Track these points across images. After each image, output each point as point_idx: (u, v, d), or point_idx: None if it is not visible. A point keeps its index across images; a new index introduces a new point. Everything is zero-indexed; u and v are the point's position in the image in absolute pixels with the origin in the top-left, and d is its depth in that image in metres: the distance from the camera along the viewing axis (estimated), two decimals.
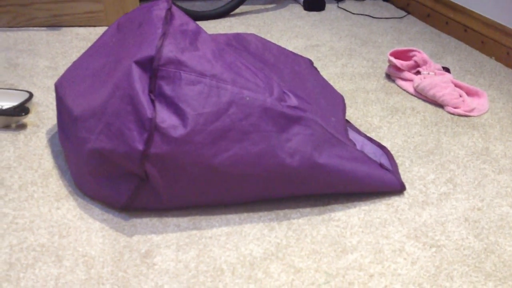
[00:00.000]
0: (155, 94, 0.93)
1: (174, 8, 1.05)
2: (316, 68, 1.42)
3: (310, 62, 1.43)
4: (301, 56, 1.41)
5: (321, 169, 0.98)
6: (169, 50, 0.94)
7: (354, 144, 1.13)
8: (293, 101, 1.01)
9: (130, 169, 0.93)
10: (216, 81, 0.95)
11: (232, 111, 0.94)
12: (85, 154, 0.97)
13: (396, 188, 1.07)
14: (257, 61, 1.22)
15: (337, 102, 1.30)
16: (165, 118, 0.91)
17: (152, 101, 0.92)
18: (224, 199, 0.99)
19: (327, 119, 1.13)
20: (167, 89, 0.93)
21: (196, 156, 0.92)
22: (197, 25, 1.05)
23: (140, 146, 0.90)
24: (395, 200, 1.06)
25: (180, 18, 1.03)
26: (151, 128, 0.90)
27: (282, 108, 0.98)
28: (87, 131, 0.96)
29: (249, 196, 1.00)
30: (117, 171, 0.95)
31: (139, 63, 0.94)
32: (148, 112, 0.90)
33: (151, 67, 0.93)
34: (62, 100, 1.07)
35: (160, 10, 1.02)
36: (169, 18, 1.01)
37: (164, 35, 0.96)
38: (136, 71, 0.93)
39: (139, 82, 0.92)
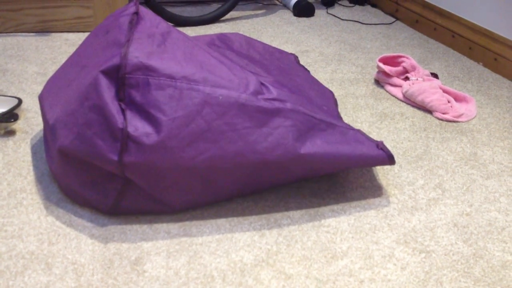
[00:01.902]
0: (126, 102, 0.92)
1: (143, 11, 1.03)
2: (302, 65, 1.41)
3: (296, 58, 1.42)
4: (285, 53, 1.40)
5: (304, 159, 0.98)
6: (134, 56, 0.93)
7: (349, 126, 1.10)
8: (272, 92, 0.99)
9: (112, 171, 0.93)
10: (187, 83, 0.93)
11: (206, 112, 0.93)
12: (66, 161, 0.97)
13: (385, 161, 1.04)
14: (242, 58, 1.22)
15: (328, 96, 1.29)
16: (138, 126, 0.90)
17: (123, 110, 0.91)
18: (211, 197, 0.99)
19: (318, 107, 1.11)
20: (137, 96, 0.92)
21: (174, 160, 0.92)
22: (168, 25, 1.04)
23: (114, 157, 0.90)
24: (384, 206, 1.06)
25: (150, 20, 1.01)
26: (123, 138, 0.89)
27: (259, 102, 0.96)
28: (62, 140, 0.95)
29: (236, 191, 1.00)
30: (100, 173, 0.95)
31: (105, 73, 0.92)
32: (119, 122, 0.90)
33: (118, 76, 0.92)
34: (43, 112, 1.07)
35: (126, 16, 1.01)
36: (134, 22, 0.99)
37: (128, 41, 0.95)
38: (103, 81, 0.92)
39: (107, 91, 0.91)
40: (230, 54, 1.21)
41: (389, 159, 1.04)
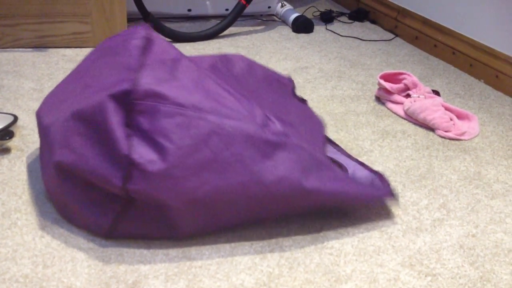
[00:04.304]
0: (133, 128, 0.89)
1: (154, 35, 1.01)
2: (297, 96, 1.38)
3: (293, 89, 1.39)
4: (284, 81, 1.37)
5: (309, 193, 0.96)
6: (146, 83, 0.91)
7: (343, 169, 1.11)
8: (277, 126, 0.98)
9: (113, 191, 0.90)
10: (196, 112, 0.92)
11: (213, 142, 0.91)
12: (63, 178, 0.94)
13: (387, 196, 1.06)
14: (239, 85, 1.20)
15: (318, 130, 1.27)
16: (143, 153, 0.88)
17: (128, 136, 0.89)
18: (214, 227, 0.97)
19: (310, 146, 1.11)
20: (145, 123, 0.89)
21: (178, 190, 0.89)
22: (178, 51, 1.02)
23: (118, 182, 0.88)
24: (388, 227, 1.04)
25: (160, 45, 1.00)
26: (127, 165, 0.87)
27: (266, 134, 0.95)
28: (62, 159, 0.93)
29: (235, 222, 0.98)
30: (100, 193, 0.92)
31: (113, 97, 0.90)
32: (124, 148, 0.87)
33: (127, 101, 0.90)
34: (40, 127, 1.04)
35: (138, 40, 0.99)
36: (147, 47, 0.97)
37: (140, 67, 0.93)
38: (110, 105, 0.89)
39: (114, 116, 0.89)
40: (230, 80, 1.19)
41: (391, 195, 1.06)
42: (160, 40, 1.02)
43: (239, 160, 0.92)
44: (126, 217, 0.92)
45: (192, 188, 0.90)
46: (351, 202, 1.02)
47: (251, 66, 1.29)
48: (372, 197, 1.05)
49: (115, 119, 0.89)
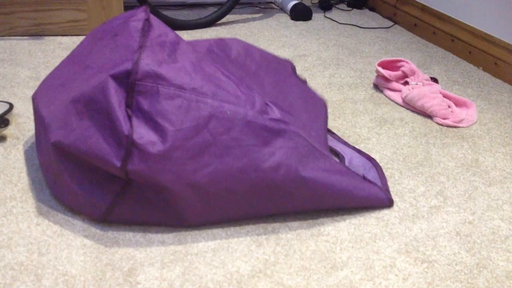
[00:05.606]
0: (133, 109, 0.89)
1: (152, 18, 1.01)
2: (297, 76, 1.37)
3: (293, 69, 1.38)
4: (283, 62, 1.36)
5: (306, 183, 0.96)
6: (146, 64, 0.91)
7: (340, 158, 1.11)
8: (275, 113, 0.98)
9: (113, 173, 0.90)
10: (196, 95, 0.92)
11: (213, 125, 0.91)
12: (62, 159, 0.94)
13: (384, 203, 1.05)
14: (237, 69, 1.19)
15: (319, 110, 1.26)
16: (143, 134, 0.88)
17: (129, 117, 0.89)
18: (212, 216, 0.96)
19: (308, 133, 1.10)
20: (145, 104, 0.89)
21: (177, 172, 0.89)
22: (177, 35, 1.02)
23: (117, 163, 0.87)
24: (385, 214, 1.03)
25: (158, 28, 1.00)
26: (128, 145, 0.87)
27: (264, 121, 0.95)
28: (60, 138, 0.92)
29: (234, 213, 0.97)
30: (99, 173, 0.92)
31: (115, 77, 0.90)
32: (125, 129, 0.87)
33: (128, 82, 0.90)
34: (36, 110, 1.04)
35: (137, 22, 0.99)
36: (146, 29, 0.97)
37: (141, 48, 0.93)
38: (112, 85, 0.90)
39: (115, 96, 0.89)
40: (228, 64, 1.18)
41: (388, 202, 1.06)
42: (159, 23, 1.02)
43: (238, 145, 0.92)
44: (124, 199, 0.92)
45: (191, 171, 0.90)
46: (346, 198, 1.01)
47: (248, 49, 1.28)
48: (369, 199, 1.03)
49: (116, 99, 0.89)
